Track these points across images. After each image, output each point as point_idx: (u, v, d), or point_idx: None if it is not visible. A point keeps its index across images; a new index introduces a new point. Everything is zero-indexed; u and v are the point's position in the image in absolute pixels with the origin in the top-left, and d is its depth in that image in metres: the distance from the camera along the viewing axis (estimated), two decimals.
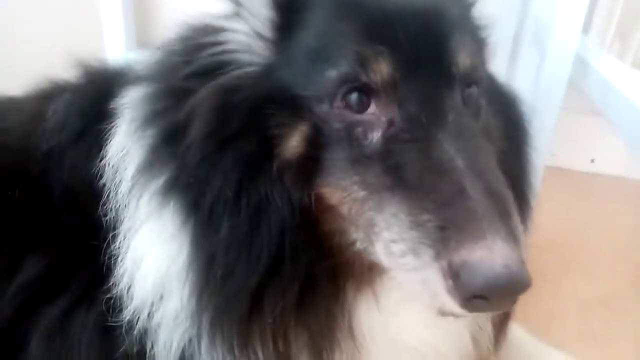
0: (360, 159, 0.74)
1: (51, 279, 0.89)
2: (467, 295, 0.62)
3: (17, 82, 1.12)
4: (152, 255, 0.84)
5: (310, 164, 0.76)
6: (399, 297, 0.87)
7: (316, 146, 0.76)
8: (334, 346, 0.82)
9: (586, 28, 1.75)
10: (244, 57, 0.82)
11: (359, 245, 0.77)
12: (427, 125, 0.73)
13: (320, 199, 0.77)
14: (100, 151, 0.89)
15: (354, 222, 0.75)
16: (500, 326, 0.98)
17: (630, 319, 1.51)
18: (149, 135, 0.83)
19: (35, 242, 0.91)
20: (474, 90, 0.82)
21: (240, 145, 0.76)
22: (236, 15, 0.85)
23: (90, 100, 0.98)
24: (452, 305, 0.64)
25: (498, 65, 2.12)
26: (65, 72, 1.08)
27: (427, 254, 0.64)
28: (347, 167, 0.74)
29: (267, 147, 0.76)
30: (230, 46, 0.83)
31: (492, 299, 0.62)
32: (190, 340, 0.82)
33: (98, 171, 0.89)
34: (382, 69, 0.74)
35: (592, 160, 2.43)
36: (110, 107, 0.92)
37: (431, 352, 0.91)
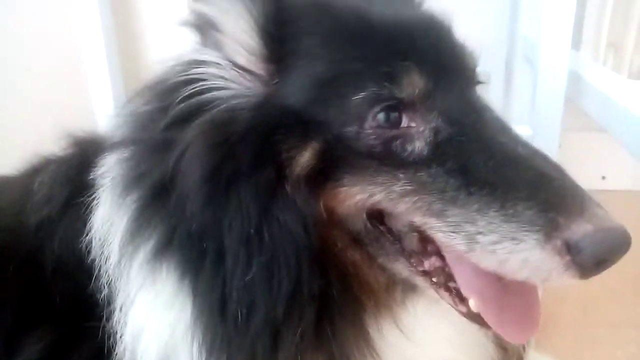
0: (403, 166, 0.75)
1: (52, 357, 0.85)
2: (592, 264, 0.65)
3: (11, 158, 1.10)
4: (152, 326, 0.81)
5: (321, 174, 0.76)
6: (422, 318, 0.88)
7: (329, 159, 0.76)
8: None
9: (577, 44, 1.74)
10: (223, 93, 0.80)
11: (378, 259, 0.81)
12: (474, 126, 0.76)
13: (330, 208, 0.78)
14: (87, 223, 0.87)
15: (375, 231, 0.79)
16: None
17: None
18: (132, 201, 0.81)
19: (33, 321, 0.87)
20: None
21: (253, 177, 0.75)
22: (210, 46, 0.83)
23: (75, 169, 0.96)
24: (568, 278, 0.67)
25: (493, 91, 2.14)
26: (55, 144, 1.07)
27: (533, 238, 0.66)
28: (382, 175, 0.75)
29: (280, 172, 0.75)
30: (205, 83, 0.80)
31: (613, 259, 0.67)
32: None
33: (87, 244, 0.86)
34: (415, 83, 0.76)
35: (603, 177, 2.38)
36: (92, 176, 0.90)
37: None
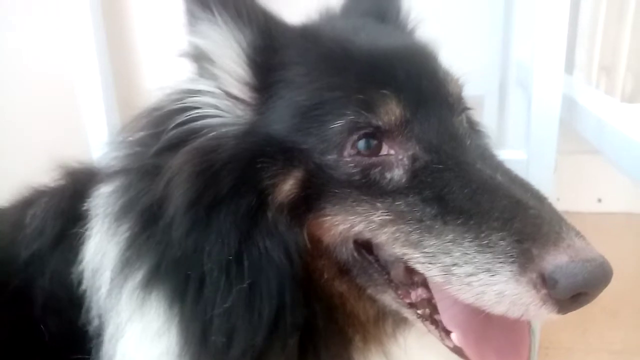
0: (381, 196, 0.74)
1: None
2: (568, 296, 0.63)
3: (2, 189, 1.09)
4: (141, 358, 0.80)
5: (304, 202, 0.77)
6: (413, 351, 0.86)
7: (311, 188, 0.76)
8: None
9: (570, 67, 1.75)
10: (215, 120, 0.82)
11: (366, 289, 0.80)
12: (453, 153, 0.76)
13: (316, 237, 0.78)
14: (78, 255, 0.87)
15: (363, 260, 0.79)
16: None
17: None
18: (123, 230, 0.81)
19: (21, 358, 0.86)
20: (466, 115, 0.87)
21: (233, 204, 0.75)
22: (206, 76, 0.84)
23: (67, 201, 0.96)
24: (546, 312, 0.64)
25: (488, 116, 2.15)
26: (48, 176, 1.06)
27: (507, 270, 0.65)
28: (362, 204, 0.75)
29: (261, 199, 0.76)
30: (199, 111, 0.82)
31: (591, 292, 0.64)
32: None
33: (78, 277, 0.86)
34: (392, 111, 0.76)
35: (599, 200, 2.39)
36: (84, 207, 0.90)
37: None
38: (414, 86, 0.79)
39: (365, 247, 0.79)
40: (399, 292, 0.79)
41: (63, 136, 1.91)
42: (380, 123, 0.75)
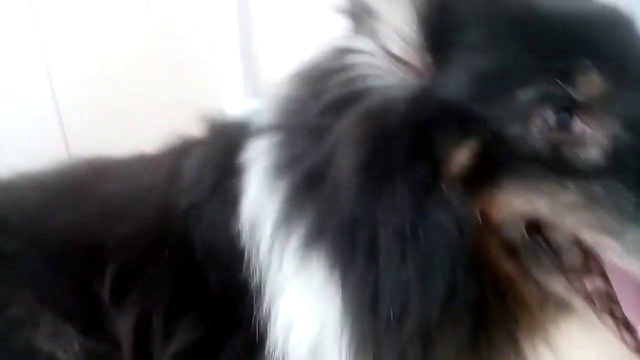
0: (572, 175, 0.68)
1: (206, 344, 0.87)
2: None
3: (143, 139, 1.13)
4: (303, 318, 0.81)
5: (479, 175, 0.72)
6: (578, 338, 0.84)
7: (488, 160, 0.72)
8: None
9: None
10: (379, 82, 0.78)
11: (534, 273, 0.76)
12: None
13: (487, 213, 0.73)
14: (236, 208, 0.88)
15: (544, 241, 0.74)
16: None
17: None
18: (283, 186, 0.81)
19: (187, 304, 0.89)
20: None
21: (407, 172, 0.72)
22: (364, 34, 0.81)
23: (222, 153, 0.97)
24: None
25: None
26: (191, 127, 1.08)
27: None
28: (548, 183, 0.69)
29: (435, 169, 0.72)
30: (362, 71, 0.79)
31: None
32: None
33: (236, 229, 0.87)
34: (593, 82, 0.69)
35: None
36: (240, 160, 0.90)
37: None
38: (617, 55, 0.71)
39: (535, 227, 0.74)
40: (571, 278, 0.75)
41: (196, 90, 1.95)
42: (577, 95, 0.68)
